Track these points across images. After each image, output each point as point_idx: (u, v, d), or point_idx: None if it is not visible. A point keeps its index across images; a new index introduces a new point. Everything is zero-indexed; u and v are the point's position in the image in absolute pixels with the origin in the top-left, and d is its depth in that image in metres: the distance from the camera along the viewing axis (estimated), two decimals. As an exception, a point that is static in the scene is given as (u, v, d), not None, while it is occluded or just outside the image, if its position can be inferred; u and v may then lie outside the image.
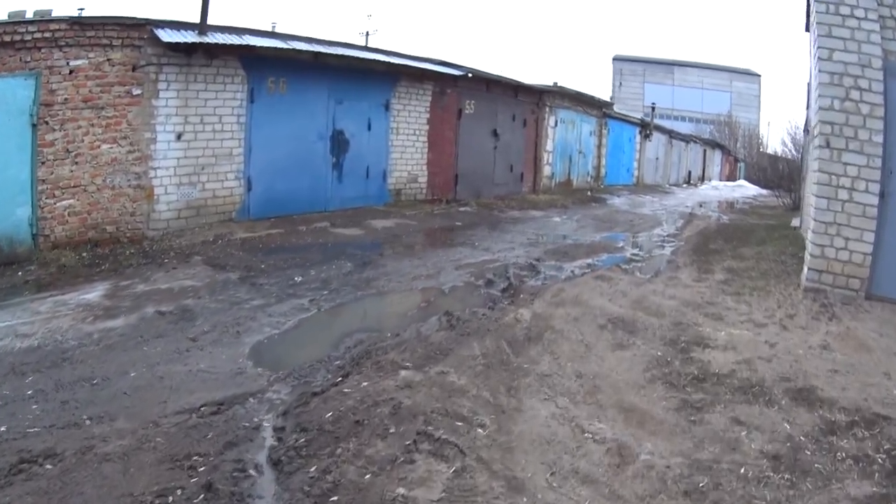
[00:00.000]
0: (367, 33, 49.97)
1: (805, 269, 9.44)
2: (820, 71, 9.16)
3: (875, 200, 8.88)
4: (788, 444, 4.85)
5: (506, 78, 20.69)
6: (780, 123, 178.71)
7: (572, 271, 10.60)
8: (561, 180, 25.16)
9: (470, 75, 18.33)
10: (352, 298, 8.63)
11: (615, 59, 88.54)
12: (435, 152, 18.02)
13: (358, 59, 15.13)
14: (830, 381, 6.02)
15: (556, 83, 24.09)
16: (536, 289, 9.14)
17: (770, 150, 72.29)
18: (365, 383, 5.63)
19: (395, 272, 10.02)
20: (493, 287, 9.31)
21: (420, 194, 17.74)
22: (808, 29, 16.76)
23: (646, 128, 35.15)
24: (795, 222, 20.32)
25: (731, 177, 61.97)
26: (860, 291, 8.94)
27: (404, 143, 17.13)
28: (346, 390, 5.48)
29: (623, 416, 5.30)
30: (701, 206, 26.63)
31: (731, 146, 67.20)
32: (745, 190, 45.72)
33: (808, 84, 17.81)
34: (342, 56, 14.75)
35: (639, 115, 36.61)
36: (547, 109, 23.58)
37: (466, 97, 19.01)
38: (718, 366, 6.30)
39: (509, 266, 10.66)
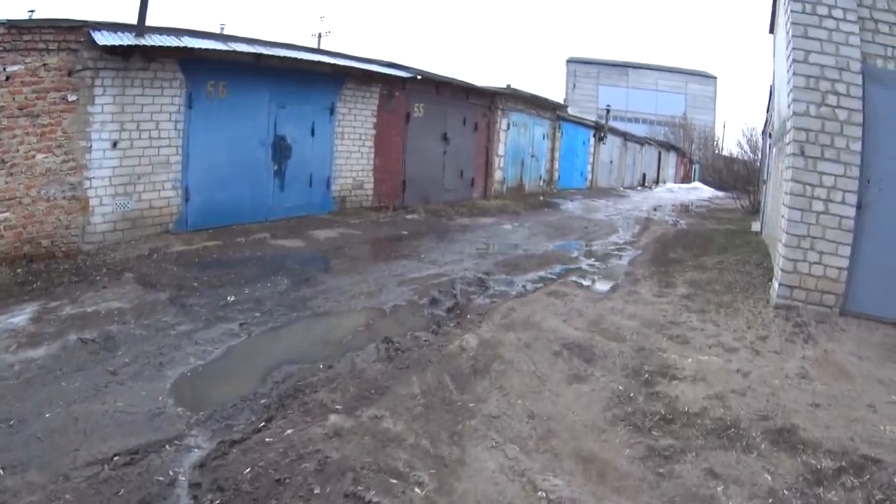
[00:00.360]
0: (320, 35, 49.19)
1: (775, 284, 8.76)
2: (795, 74, 8.48)
3: (852, 212, 8.24)
4: (771, 501, 4.21)
5: (457, 80, 19.92)
6: (735, 125, 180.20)
7: (524, 286, 9.86)
8: (513, 185, 24.47)
9: (419, 77, 17.47)
10: (285, 321, 7.78)
11: (569, 61, 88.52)
12: (382, 158, 17.19)
13: (301, 60, 14.25)
14: (812, 418, 5.35)
15: (509, 85, 23.33)
16: (485, 308, 8.39)
17: (726, 152, 72.93)
18: (290, 430, 4.90)
19: (334, 290, 9.19)
20: (438, 306, 8.51)
21: (366, 201, 16.90)
22: (771, 30, 16.29)
23: (600, 130, 34.59)
24: (756, 227, 19.80)
25: (686, 179, 62.00)
26: (835, 308, 8.30)
27: (350, 148, 16.29)
28: (268, 439, 4.78)
29: (582, 468, 4.59)
30: (657, 210, 26.15)
31: (687, 148, 67.21)
32: (700, 192, 45.70)
33: (771, 87, 17.41)
34: (285, 57, 13.88)
35: (593, 118, 36.03)
36: (499, 112, 22.87)
37: (415, 100, 18.24)
38: (687, 402, 5.57)
39: (456, 281, 9.87)
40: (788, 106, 9.02)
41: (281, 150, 14.47)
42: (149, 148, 11.80)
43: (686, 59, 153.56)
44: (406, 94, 17.79)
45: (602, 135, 34.50)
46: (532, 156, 25.73)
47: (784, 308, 8.44)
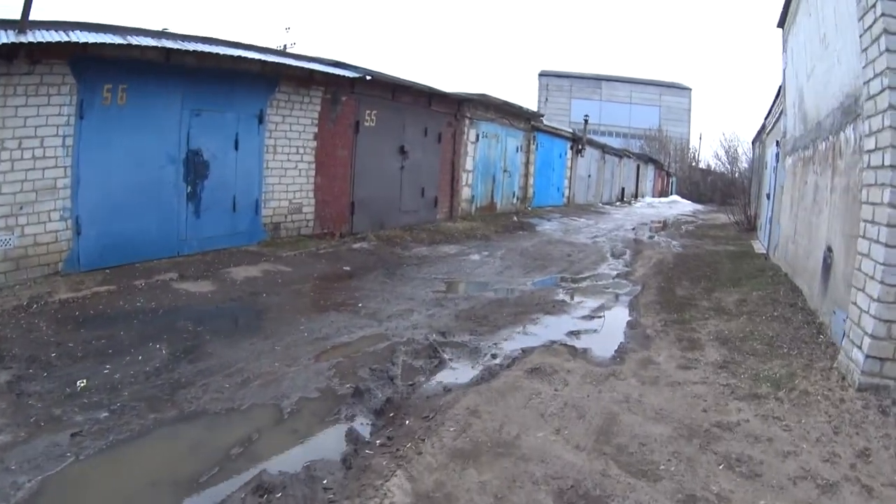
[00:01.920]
0: (285, 47, 46.36)
1: (855, 354, 6.00)
2: (889, 50, 5.76)
3: None
4: None
5: (416, 84, 17.16)
6: (712, 136, 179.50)
7: (493, 356, 7.05)
8: (483, 204, 21.77)
9: (368, 78, 14.68)
10: (135, 431, 4.98)
11: (541, 74, 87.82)
12: (325, 175, 14.42)
13: (222, 56, 11.44)
14: None
15: (479, 92, 20.57)
16: (435, 405, 5.54)
17: (703, 164, 71.57)
18: None
19: (222, 368, 6.39)
20: (363, 402, 5.64)
21: (305, 228, 14.12)
22: (781, 24, 13.83)
23: (577, 142, 32.00)
24: (758, 247, 17.81)
25: (664, 192, 60.14)
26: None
27: (284, 164, 13.50)
28: None
29: None
30: (643, 228, 23.61)
31: (663, 160, 65.05)
32: (681, 206, 44.16)
33: (781, 87, 14.97)
34: (202, 54, 11.04)
35: (570, 128, 33.34)
36: (467, 122, 20.17)
37: (367, 106, 15.50)
38: None
39: (399, 350, 7.09)
40: (868, 99, 6.22)
41: (195, 167, 11.68)
42: (32, 170, 9.24)
43: (660, 71, 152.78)
44: (355, 98, 15.05)
45: (580, 147, 31.91)
46: (504, 171, 23.06)
47: (872, 390, 5.71)
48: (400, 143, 16.83)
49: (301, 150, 13.84)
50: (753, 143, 30.95)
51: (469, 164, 20.47)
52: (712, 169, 67.40)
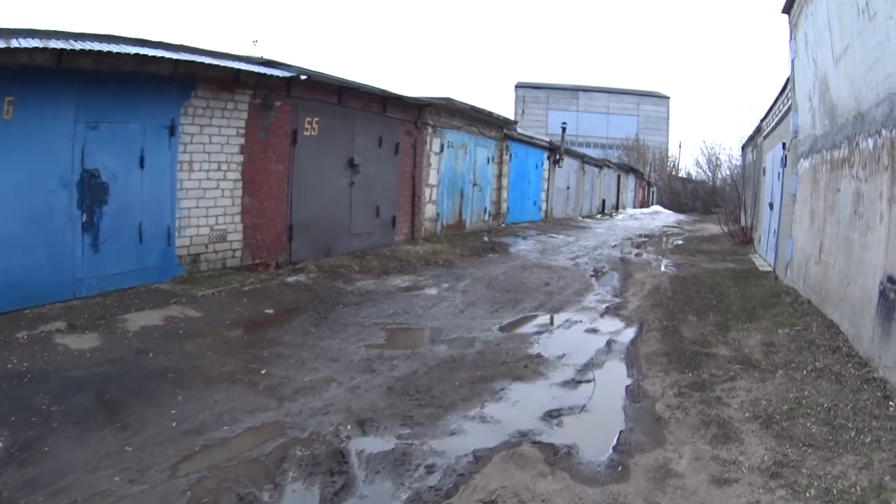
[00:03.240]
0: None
1: None
2: None
3: None
4: None
5: (367, 85, 14.72)
6: (692, 144, 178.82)
7: (427, 470, 4.70)
8: (450, 222, 19.47)
9: (304, 77, 12.17)
10: None
11: (517, 86, 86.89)
12: (255, 195, 12.02)
13: (123, 56, 9.13)
14: None
15: (442, 96, 18.23)
16: None
17: (683, 173, 70.24)
18: None
19: (50, 481, 4.29)
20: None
21: (232, 259, 11.72)
22: (787, 9, 12.72)
23: (555, 152, 29.76)
24: (761, 263, 15.92)
25: (644, 203, 58.60)
26: None
27: (203, 183, 11.10)
28: None
29: None
30: (629, 245, 21.58)
31: (643, 170, 63.49)
32: (664, 217, 42.64)
33: (790, 79, 12.85)
34: (99, 54, 8.72)
35: (547, 138, 31.07)
36: (429, 130, 17.89)
37: (306, 112, 13.07)
38: None
39: (291, 458, 4.83)
40: None
41: (91, 190, 9.37)
42: None
43: (638, 80, 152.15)
44: (292, 104, 12.67)
45: (558, 157, 29.61)
46: (474, 184, 20.74)
47: None
48: (349, 155, 14.46)
49: (224, 167, 11.47)
50: (744, 147, 28.96)
51: (433, 178, 18.21)
52: (693, 177, 66.44)
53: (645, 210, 49.25)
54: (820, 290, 9.59)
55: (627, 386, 6.69)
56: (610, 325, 9.52)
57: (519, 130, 24.88)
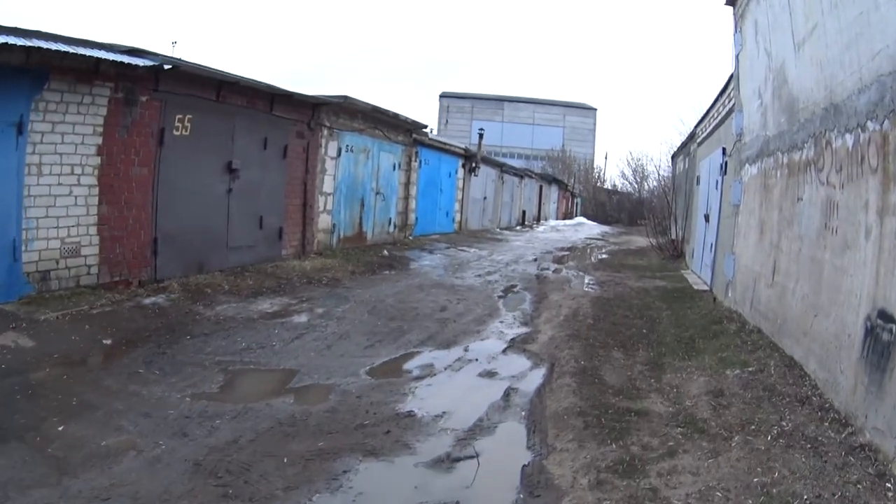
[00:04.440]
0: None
1: None
2: None
3: None
4: None
5: (251, 80, 12.67)
6: (618, 156, 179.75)
7: None
8: (349, 234, 17.34)
9: (168, 67, 10.19)
10: None
11: (442, 95, 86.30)
12: (113, 203, 10.04)
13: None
14: None
15: (340, 94, 16.10)
16: None
17: (609, 184, 69.68)
18: None
19: None
20: None
21: (87, 276, 9.76)
22: (731, 1, 11.49)
23: (471, 160, 27.81)
24: (695, 280, 14.45)
25: (569, 214, 57.42)
26: None
27: (54, 189, 9.12)
28: None
29: None
30: (548, 259, 19.77)
31: (568, 181, 62.44)
32: (587, 229, 41.57)
33: (732, 77, 11.59)
34: None
35: (462, 144, 29.07)
36: (325, 132, 15.80)
37: (177, 109, 11.04)
38: None
39: None
40: None
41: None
42: None
43: (565, 92, 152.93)
44: (161, 99, 10.68)
45: (473, 165, 27.67)
46: (377, 193, 18.65)
47: None
48: (227, 159, 12.37)
49: (78, 170, 9.52)
50: (674, 157, 27.52)
51: (328, 186, 16.13)
52: (619, 189, 65.99)
53: (568, 222, 47.86)
54: (774, 317, 7.84)
55: (525, 467, 4.80)
56: (513, 365, 7.65)
57: (432, 135, 22.84)
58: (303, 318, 9.45)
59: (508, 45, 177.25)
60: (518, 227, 35.74)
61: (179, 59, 10.82)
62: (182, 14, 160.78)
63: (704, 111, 16.31)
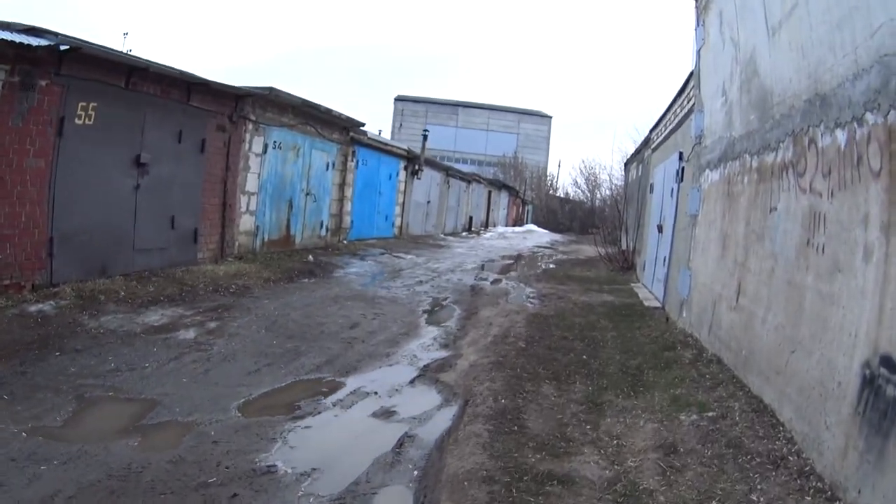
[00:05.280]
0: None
1: None
2: None
3: None
4: None
5: (165, 67, 11.31)
6: (571, 164, 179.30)
7: None
8: (274, 237, 15.88)
9: (65, 48, 8.96)
10: None
11: (397, 99, 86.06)
12: (4, 197, 8.83)
13: None
14: None
15: (265, 85, 14.65)
16: None
17: (561, 192, 68.97)
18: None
19: None
20: None
21: (-33, 278, 8.66)
22: None
23: (413, 162, 26.49)
24: (645, 294, 13.75)
25: (519, 221, 56.38)
26: None
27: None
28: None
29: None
30: (489, 268, 18.52)
31: (519, 188, 61.39)
32: (537, 236, 40.60)
33: (692, 75, 11.03)
34: None
35: (405, 146, 27.63)
36: (249, 126, 14.38)
37: (80, 96, 9.75)
38: None
39: None
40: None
41: None
42: None
43: (520, 99, 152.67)
44: (63, 84, 9.42)
45: (416, 167, 26.28)
46: (307, 193, 17.23)
47: None
48: (135, 152, 11.03)
49: None
50: (627, 164, 26.42)
51: (252, 184, 14.70)
52: (571, 197, 65.38)
53: (518, 229, 46.73)
54: (738, 347, 6.64)
55: None
56: (418, 401, 6.36)
57: (371, 135, 21.39)
58: (189, 335, 8.10)
59: (464, 51, 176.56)
60: (464, 234, 34.51)
61: (82, 41, 9.53)
62: (135, 5, 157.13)
63: (661, 115, 15.16)
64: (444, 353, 8.12)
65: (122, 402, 5.76)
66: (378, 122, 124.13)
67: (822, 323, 4.63)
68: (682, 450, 4.82)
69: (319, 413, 5.82)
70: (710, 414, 5.51)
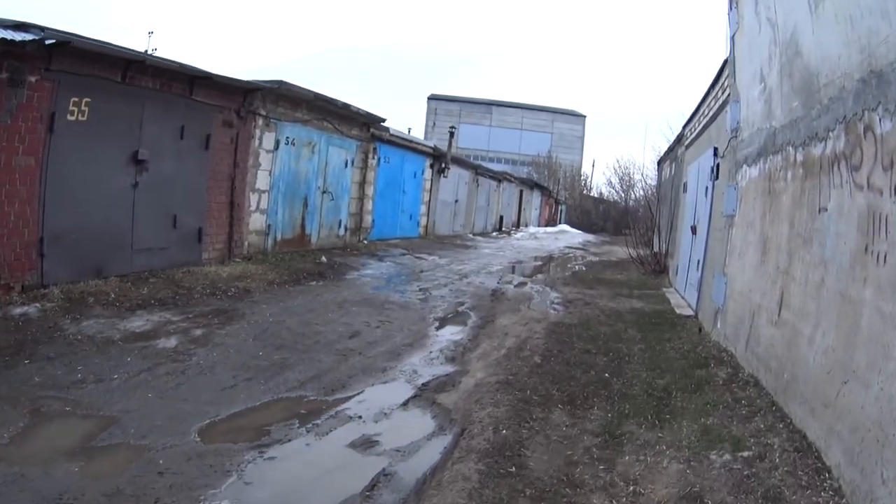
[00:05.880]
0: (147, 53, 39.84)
1: None
2: None
3: None
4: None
5: (164, 60, 10.87)
6: (606, 164, 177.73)
7: None
8: (287, 236, 15.16)
9: (51, 42, 8.44)
10: None
11: (430, 98, 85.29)
12: None
13: None
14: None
15: (274, 79, 13.93)
16: None
17: (595, 192, 67.97)
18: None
19: None
20: None
21: (-46, 278, 8.34)
22: None
23: (440, 160, 25.63)
24: (677, 300, 12.71)
25: (552, 221, 55.41)
26: None
27: None
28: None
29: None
30: (515, 271, 17.64)
31: (552, 187, 60.32)
32: (569, 237, 39.64)
33: (726, 64, 10.08)
34: None
35: (431, 143, 26.75)
36: (260, 122, 13.69)
37: (73, 91, 9.26)
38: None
39: None
40: None
41: None
42: None
43: (554, 99, 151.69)
44: (54, 80, 8.99)
45: (443, 165, 25.43)
46: (324, 191, 16.49)
47: None
48: (133, 148, 10.44)
49: None
50: (660, 162, 25.33)
51: (263, 182, 14.02)
52: (605, 197, 64.35)
53: (550, 229, 45.72)
54: (779, 368, 5.76)
55: None
56: (407, 428, 5.51)
57: (392, 131, 20.55)
58: (171, 343, 7.38)
59: (497, 51, 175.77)
60: (494, 234, 33.59)
61: (71, 34, 8.97)
62: (163, 4, 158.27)
63: (694, 108, 14.22)
64: (448, 369, 7.27)
65: (79, 418, 5.12)
66: (412, 123, 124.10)
67: (882, 349, 3.78)
68: (709, 502, 3.98)
69: (289, 441, 5.03)
70: (746, 454, 4.65)
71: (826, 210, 5.01)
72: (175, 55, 9.40)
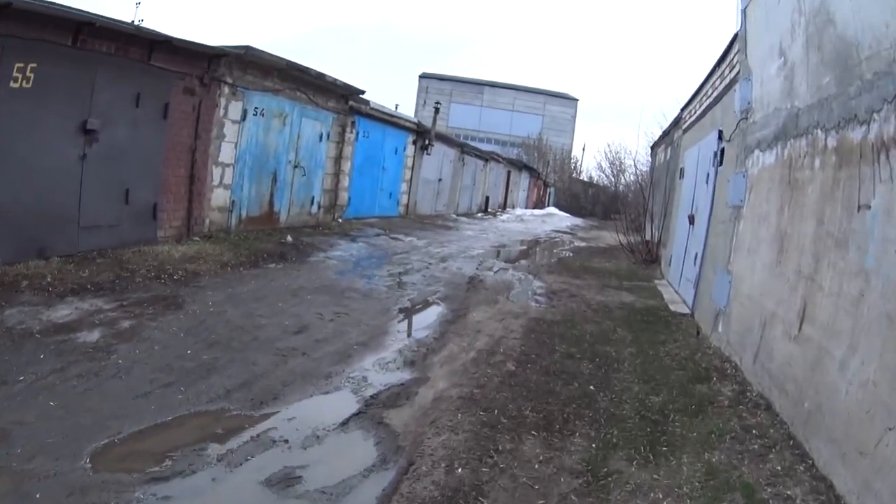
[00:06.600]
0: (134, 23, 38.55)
1: None
2: None
3: None
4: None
5: (119, 23, 9.78)
6: (596, 147, 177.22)
7: None
8: (254, 214, 14.13)
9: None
10: None
11: (422, 76, 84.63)
12: None
13: None
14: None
15: (241, 44, 12.78)
16: None
17: (585, 176, 67.38)
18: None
19: None
20: None
21: None
22: None
23: (423, 136, 24.20)
24: (671, 295, 11.81)
25: (540, 203, 54.57)
26: None
27: None
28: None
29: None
30: (497, 255, 16.64)
31: (542, 170, 59.40)
32: (557, 220, 38.92)
33: (736, 39, 9.33)
34: None
35: (414, 118, 25.56)
36: (225, 90, 12.62)
37: (18, 56, 8.35)
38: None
39: None
40: None
41: None
42: None
43: (547, 81, 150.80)
44: None
45: (427, 142, 24.29)
46: (296, 166, 15.40)
47: None
48: (82, 118, 9.46)
49: None
50: (654, 147, 24.35)
51: (227, 155, 12.97)
52: (595, 181, 63.86)
53: (537, 211, 44.80)
54: (798, 394, 4.84)
55: None
56: (341, 459, 4.50)
57: (373, 104, 19.39)
58: (93, 336, 6.35)
59: (490, 32, 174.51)
60: (479, 215, 32.51)
61: None
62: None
63: (694, 90, 13.23)
64: (405, 376, 6.23)
65: None
66: (404, 104, 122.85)
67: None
68: None
69: (193, 473, 4.03)
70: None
71: (869, 208, 4.04)
72: (162, 28, 8.54)
